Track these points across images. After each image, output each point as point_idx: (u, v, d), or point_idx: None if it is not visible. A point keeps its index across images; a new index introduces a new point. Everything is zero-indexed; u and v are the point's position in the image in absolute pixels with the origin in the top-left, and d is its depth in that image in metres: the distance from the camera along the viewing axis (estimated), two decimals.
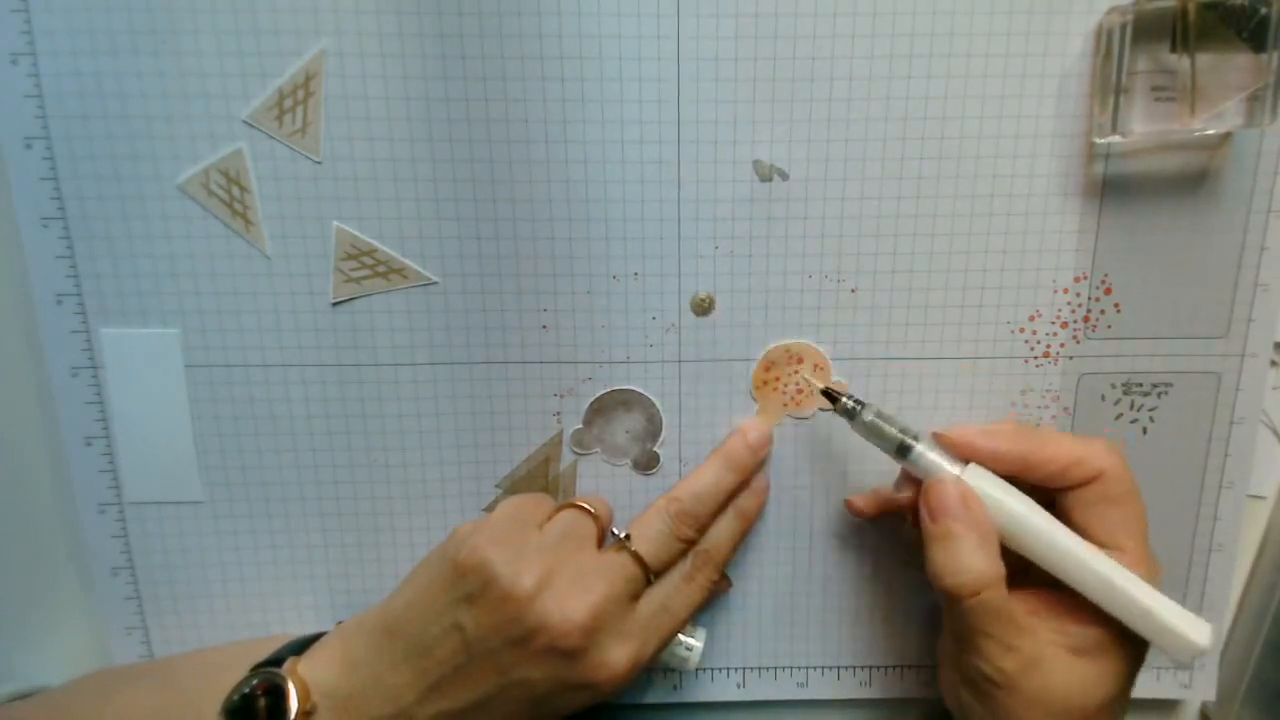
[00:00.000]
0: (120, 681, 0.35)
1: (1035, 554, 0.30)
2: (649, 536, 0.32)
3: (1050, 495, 0.31)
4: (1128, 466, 0.30)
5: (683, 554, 0.33)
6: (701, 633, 0.36)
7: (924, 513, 0.30)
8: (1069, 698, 0.29)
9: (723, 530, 0.34)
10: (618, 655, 0.31)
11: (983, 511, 0.29)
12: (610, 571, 0.31)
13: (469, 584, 0.30)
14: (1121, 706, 0.31)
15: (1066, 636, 0.30)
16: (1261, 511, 0.39)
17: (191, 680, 0.33)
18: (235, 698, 0.30)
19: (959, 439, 0.31)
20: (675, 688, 0.39)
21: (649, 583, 0.32)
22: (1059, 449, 0.30)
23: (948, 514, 0.29)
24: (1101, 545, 0.30)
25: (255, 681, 0.30)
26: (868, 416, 0.32)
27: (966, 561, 0.29)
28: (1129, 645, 0.30)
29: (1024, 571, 0.30)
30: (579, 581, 0.30)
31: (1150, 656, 0.38)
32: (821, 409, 0.36)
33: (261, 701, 0.30)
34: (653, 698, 0.39)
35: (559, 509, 0.34)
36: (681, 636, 0.35)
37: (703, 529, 0.34)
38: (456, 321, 0.35)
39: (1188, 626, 0.28)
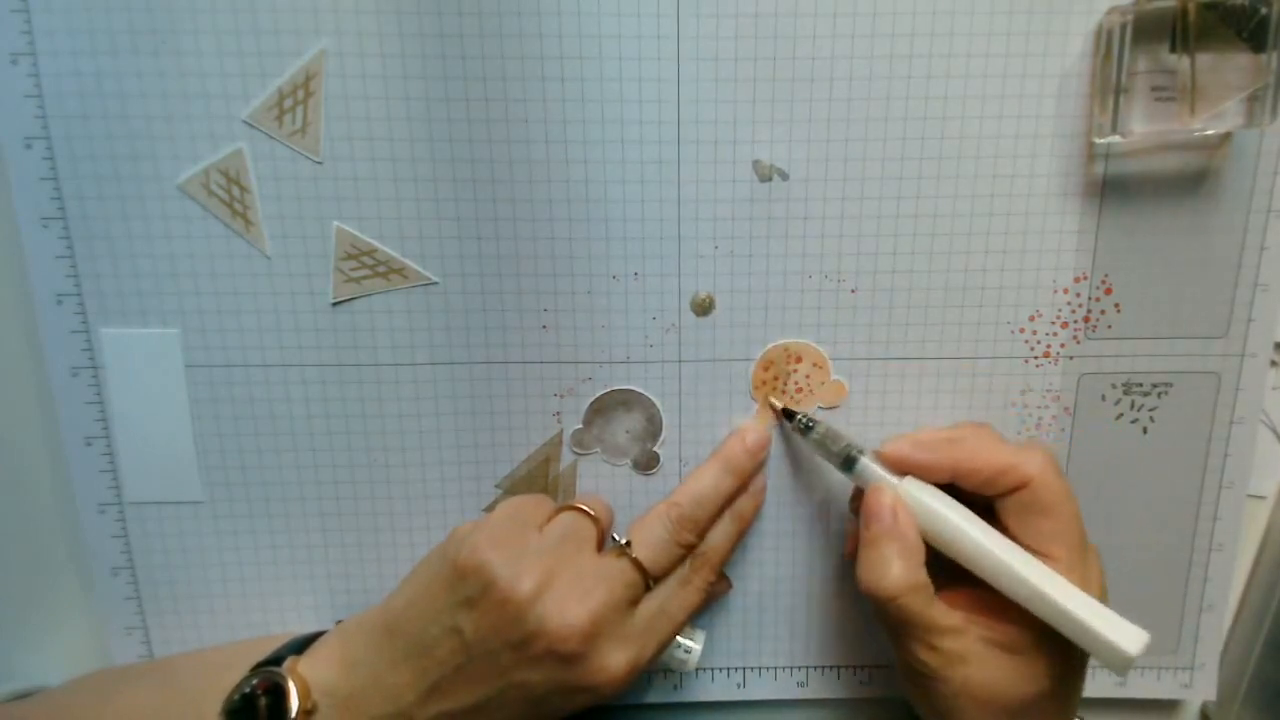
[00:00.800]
0: (120, 681, 0.35)
1: (969, 562, 0.30)
2: (649, 542, 0.32)
3: (988, 503, 0.32)
4: (1059, 474, 0.31)
5: (682, 559, 0.33)
6: (700, 634, 0.37)
7: (861, 521, 0.32)
8: (997, 692, 0.30)
9: (720, 533, 0.34)
10: (617, 660, 0.31)
11: (909, 522, 0.31)
12: (610, 577, 0.31)
13: (468, 586, 0.30)
14: (1066, 701, 0.32)
15: (995, 634, 0.30)
16: (1261, 511, 0.39)
17: (192, 680, 0.33)
18: (236, 697, 0.30)
19: (893, 452, 0.32)
20: (675, 688, 0.39)
21: (648, 588, 0.32)
22: (987, 459, 0.31)
23: (876, 522, 0.31)
24: (1034, 553, 0.30)
25: (255, 681, 0.30)
26: (818, 433, 0.34)
27: (886, 569, 0.30)
28: (1061, 645, 0.30)
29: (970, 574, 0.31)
30: (578, 586, 0.30)
31: (1149, 656, 0.39)
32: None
33: (262, 701, 0.30)
34: (653, 697, 0.39)
35: (559, 510, 0.34)
36: (680, 639, 0.36)
37: (703, 533, 0.34)
38: (456, 321, 0.35)
39: (1119, 635, 0.28)
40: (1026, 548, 0.30)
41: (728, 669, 0.39)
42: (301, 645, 0.32)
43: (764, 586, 0.38)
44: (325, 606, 0.38)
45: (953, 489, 0.32)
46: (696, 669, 0.37)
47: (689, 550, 0.33)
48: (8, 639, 0.37)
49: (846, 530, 0.37)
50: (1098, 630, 0.28)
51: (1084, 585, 0.29)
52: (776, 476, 0.37)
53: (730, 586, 0.38)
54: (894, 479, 0.32)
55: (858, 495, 0.35)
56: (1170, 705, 0.40)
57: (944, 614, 0.30)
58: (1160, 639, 0.38)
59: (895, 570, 0.30)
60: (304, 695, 0.30)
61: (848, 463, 0.33)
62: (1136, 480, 0.37)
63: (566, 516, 0.33)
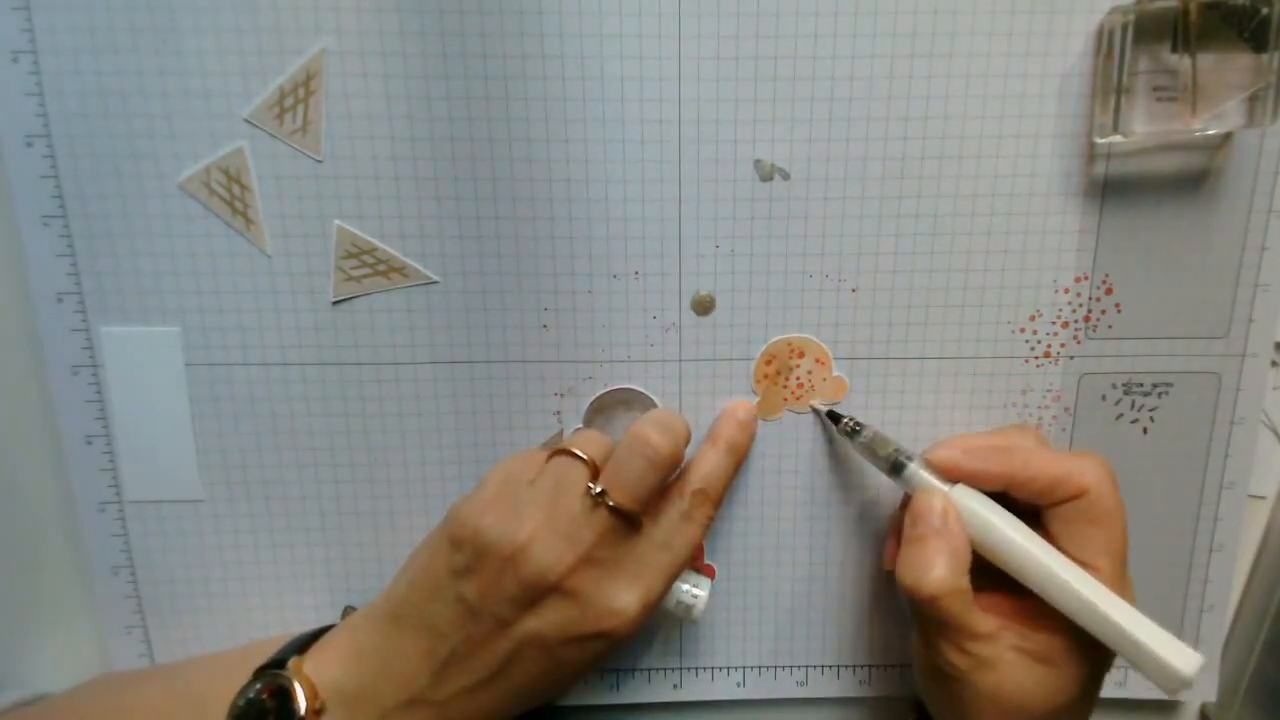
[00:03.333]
0: (124, 686, 0.35)
1: (1018, 573, 0.30)
2: (626, 484, 0.31)
3: (1038, 510, 0.31)
4: (1114, 486, 0.30)
5: (660, 485, 0.32)
6: (706, 582, 0.36)
7: (906, 520, 0.32)
8: (1025, 699, 0.30)
9: (717, 467, 0.33)
10: (625, 599, 0.30)
11: (959, 527, 0.30)
12: (599, 520, 0.30)
13: (465, 555, 0.30)
14: (1085, 708, 0.32)
15: (1030, 643, 0.30)
16: (1261, 511, 0.39)
17: (198, 684, 0.33)
18: (241, 702, 0.30)
19: (943, 459, 0.32)
20: (675, 687, 0.39)
21: (639, 522, 0.31)
22: (1042, 467, 0.30)
23: (924, 522, 0.31)
24: (1078, 563, 0.30)
25: (260, 685, 0.30)
26: (865, 436, 0.34)
27: (929, 569, 0.30)
28: (1093, 653, 0.30)
29: (1006, 578, 0.30)
30: (570, 527, 0.30)
31: None
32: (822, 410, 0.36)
33: (268, 704, 0.29)
34: (653, 696, 0.39)
35: (550, 456, 0.32)
36: (684, 585, 0.35)
37: (716, 504, 0.34)
38: (457, 321, 0.35)
39: (1175, 656, 0.28)
40: (1071, 557, 0.30)
41: (728, 668, 0.39)
42: (304, 644, 0.32)
43: (764, 586, 0.38)
44: (325, 605, 0.38)
45: (1000, 495, 0.31)
46: (699, 620, 0.36)
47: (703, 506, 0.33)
48: (7, 637, 0.37)
49: (887, 539, 0.36)
50: (1154, 650, 0.28)
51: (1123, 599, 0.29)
52: (777, 473, 0.37)
53: (714, 573, 0.38)
54: (944, 486, 0.31)
55: (907, 502, 0.34)
56: (1170, 705, 0.40)
57: (980, 619, 0.30)
58: None
59: (939, 571, 0.30)
60: (311, 695, 0.29)
61: (896, 468, 0.32)
62: (1136, 480, 0.37)
63: (556, 463, 0.32)
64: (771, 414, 0.36)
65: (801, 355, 0.35)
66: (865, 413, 0.36)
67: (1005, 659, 0.30)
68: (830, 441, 0.36)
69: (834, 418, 0.35)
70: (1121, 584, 0.30)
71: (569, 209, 0.34)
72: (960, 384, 0.36)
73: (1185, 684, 0.28)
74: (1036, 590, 0.30)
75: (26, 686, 0.36)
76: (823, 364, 0.36)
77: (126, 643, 0.38)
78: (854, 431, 0.34)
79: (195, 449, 0.36)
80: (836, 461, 0.37)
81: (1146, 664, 0.28)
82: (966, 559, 0.30)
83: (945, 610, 0.30)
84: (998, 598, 0.31)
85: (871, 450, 0.33)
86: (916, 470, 0.32)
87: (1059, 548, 0.30)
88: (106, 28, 0.32)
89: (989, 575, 0.31)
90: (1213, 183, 0.34)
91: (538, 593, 0.29)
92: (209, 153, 0.33)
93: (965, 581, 0.30)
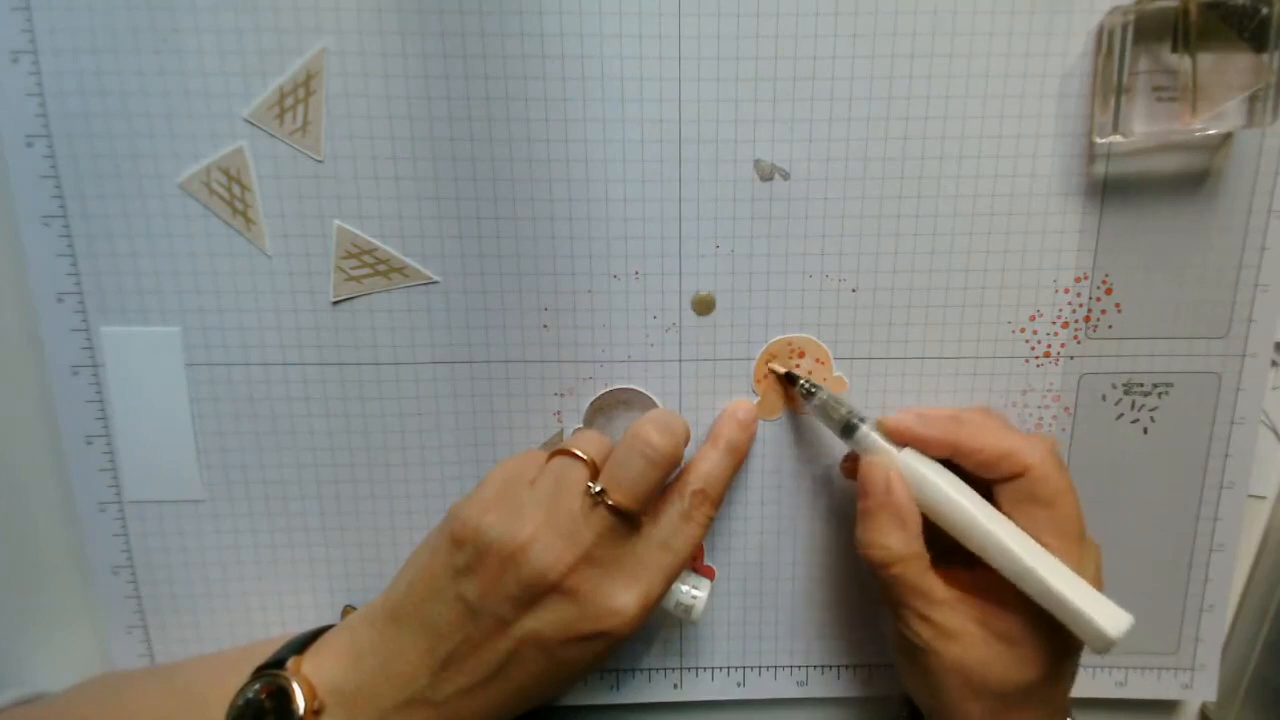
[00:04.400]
0: (124, 686, 0.35)
1: (959, 534, 0.31)
2: (624, 481, 0.31)
3: (989, 486, 0.32)
4: (1060, 466, 0.31)
5: (659, 485, 0.32)
6: (705, 583, 0.36)
7: (858, 491, 0.32)
8: (987, 675, 0.31)
9: (717, 466, 0.34)
10: (625, 598, 0.30)
11: (904, 492, 0.31)
12: (599, 520, 0.30)
13: (466, 554, 0.30)
14: (1055, 691, 0.32)
15: (990, 618, 0.31)
16: (1261, 511, 0.39)
17: (197, 684, 0.33)
18: (239, 702, 0.30)
19: (896, 424, 0.32)
20: (676, 687, 0.39)
21: (639, 522, 0.31)
22: (989, 441, 0.31)
23: (871, 494, 0.32)
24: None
25: (259, 685, 0.30)
26: (820, 398, 0.34)
27: (883, 538, 0.31)
28: (1053, 635, 0.30)
29: (972, 558, 0.31)
30: (570, 528, 0.30)
31: (1149, 657, 0.39)
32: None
33: (267, 705, 0.29)
34: (653, 696, 0.39)
35: (550, 456, 0.32)
36: (684, 586, 0.35)
37: (716, 506, 0.34)
38: (457, 321, 0.35)
39: (1100, 615, 0.28)
40: None
41: (728, 669, 0.39)
42: (303, 644, 0.32)
43: (764, 586, 0.38)
44: (325, 605, 0.38)
45: (956, 471, 0.32)
46: (699, 620, 0.36)
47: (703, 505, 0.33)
48: (8, 637, 0.37)
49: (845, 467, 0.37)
50: (1080, 608, 0.28)
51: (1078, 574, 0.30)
52: (778, 473, 0.37)
53: (714, 576, 0.38)
54: (893, 449, 0.32)
55: (852, 459, 0.35)
56: (1170, 705, 0.40)
57: (938, 585, 0.31)
58: (1160, 639, 0.38)
59: (891, 540, 0.31)
60: (310, 696, 0.29)
61: (848, 429, 0.33)
62: (1136, 480, 0.37)
63: (556, 463, 0.32)
64: (772, 414, 0.36)
65: (802, 355, 0.35)
66: (865, 412, 0.36)
67: (968, 631, 0.31)
68: (826, 445, 0.36)
69: (790, 379, 0.35)
70: (1076, 563, 0.30)
71: (569, 209, 0.34)
72: (960, 384, 0.36)
73: (1110, 644, 0.28)
74: (976, 551, 0.30)
75: (26, 686, 0.36)
76: (822, 363, 0.36)
77: (126, 643, 0.38)
78: (809, 393, 0.34)
79: (195, 449, 0.36)
80: (838, 458, 0.37)
81: (1075, 622, 0.29)
82: (916, 523, 0.31)
83: (901, 576, 0.31)
84: (958, 574, 0.32)
85: (825, 412, 0.34)
86: (867, 433, 0.32)
87: None
88: (106, 28, 0.32)
89: (950, 555, 0.32)
90: (1213, 183, 0.34)
91: (537, 592, 0.29)
92: (209, 153, 0.33)
93: (918, 545, 0.31)
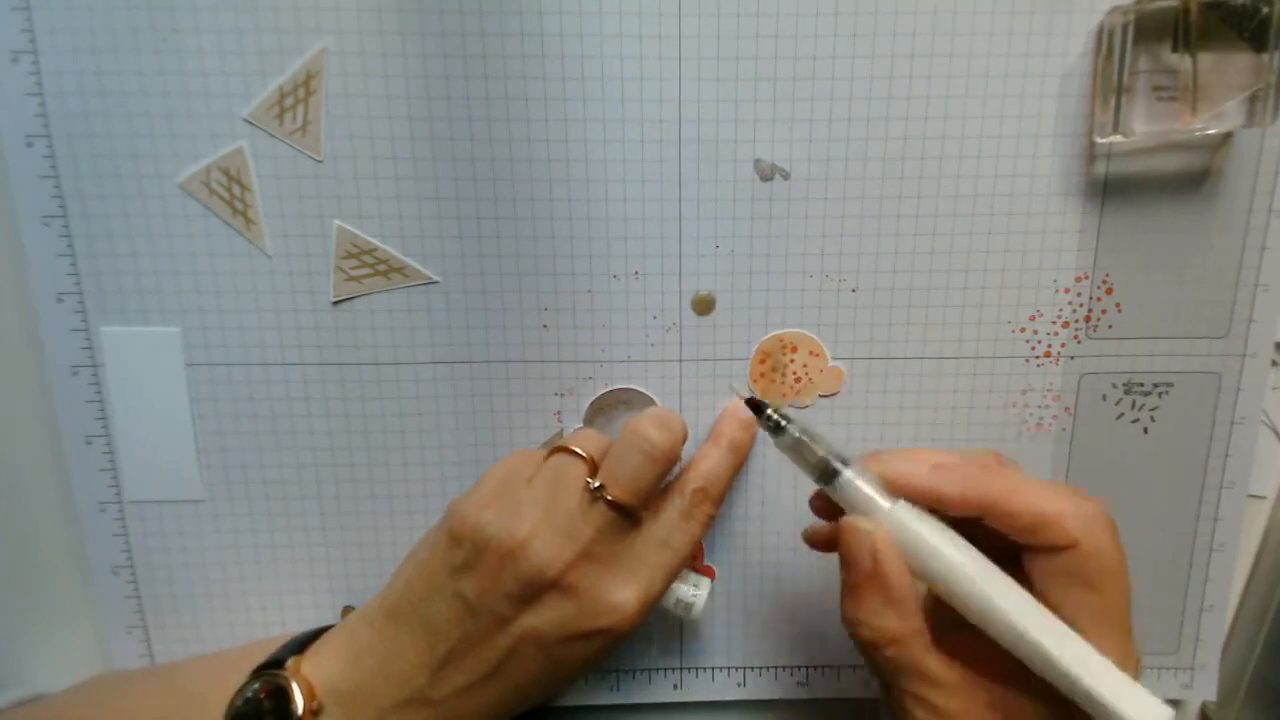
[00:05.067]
0: (123, 686, 0.35)
1: (968, 612, 0.26)
2: (622, 476, 0.31)
3: (1017, 549, 0.26)
4: (1113, 537, 0.25)
5: (659, 481, 0.32)
6: (705, 582, 0.36)
7: (839, 557, 0.28)
8: None
9: (718, 464, 0.33)
10: (623, 595, 0.30)
11: (896, 566, 0.26)
12: (598, 515, 0.30)
13: (465, 551, 0.30)
14: None
15: (994, 697, 0.26)
16: (1261, 511, 0.39)
17: (196, 684, 0.33)
18: (238, 702, 0.30)
19: (902, 477, 0.27)
20: (676, 687, 0.39)
21: (638, 518, 0.31)
22: (1026, 503, 0.25)
23: (856, 564, 0.27)
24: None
25: (258, 685, 0.30)
26: (791, 435, 0.29)
27: (873, 617, 0.27)
28: (1072, 714, 0.25)
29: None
30: (568, 524, 0.30)
31: (1150, 657, 0.39)
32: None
33: (266, 704, 0.29)
34: (653, 696, 0.39)
35: (549, 454, 0.32)
36: (683, 585, 0.35)
37: (717, 505, 0.33)
38: (457, 321, 0.35)
39: (1140, 713, 0.23)
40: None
41: (728, 669, 0.39)
42: (303, 643, 0.32)
43: (764, 586, 0.38)
44: (325, 605, 0.38)
45: (976, 527, 0.27)
46: (699, 619, 0.36)
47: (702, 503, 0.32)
48: (8, 637, 0.37)
49: (810, 538, 0.32)
50: (1114, 706, 0.23)
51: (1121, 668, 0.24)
52: (776, 476, 0.37)
53: (715, 577, 0.38)
54: (884, 502, 0.27)
55: (820, 498, 0.30)
56: (1170, 705, 0.40)
57: (940, 667, 0.27)
58: (1160, 639, 0.38)
59: (880, 620, 0.27)
60: (309, 695, 0.29)
61: (826, 475, 0.27)
62: (1137, 480, 0.37)
63: (555, 460, 0.32)
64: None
65: (795, 350, 0.35)
66: (865, 413, 0.36)
67: (972, 715, 0.26)
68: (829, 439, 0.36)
69: (755, 408, 0.30)
70: (1119, 655, 0.25)
71: (569, 209, 0.34)
72: (960, 384, 0.36)
73: None
74: (991, 634, 0.25)
75: (26, 686, 0.36)
76: (817, 356, 0.35)
77: (126, 643, 0.38)
78: (777, 428, 0.29)
79: (195, 449, 0.36)
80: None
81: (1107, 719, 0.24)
82: (910, 600, 0.26)
83: (895, 660, 0.27)
84: (965, 642, 0.27)
85: (798, 453, 0.28)
86: (850, 480, 0.27)
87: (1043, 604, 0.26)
88: (106, 28, 0.32)
89: (956, 618, 0.27)
90: (1213, 183, 0.34)
91: (536, 589, 0.29)
92: (209, 153, 0.33)
93: (916, 622, 0.27)
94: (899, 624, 0.26)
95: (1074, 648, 0.24)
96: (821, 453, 0.28)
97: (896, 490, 0.27)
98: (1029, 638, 0.24)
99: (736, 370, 0.36)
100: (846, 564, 0.27)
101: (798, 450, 0.28)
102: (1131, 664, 0.25)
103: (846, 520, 0.27)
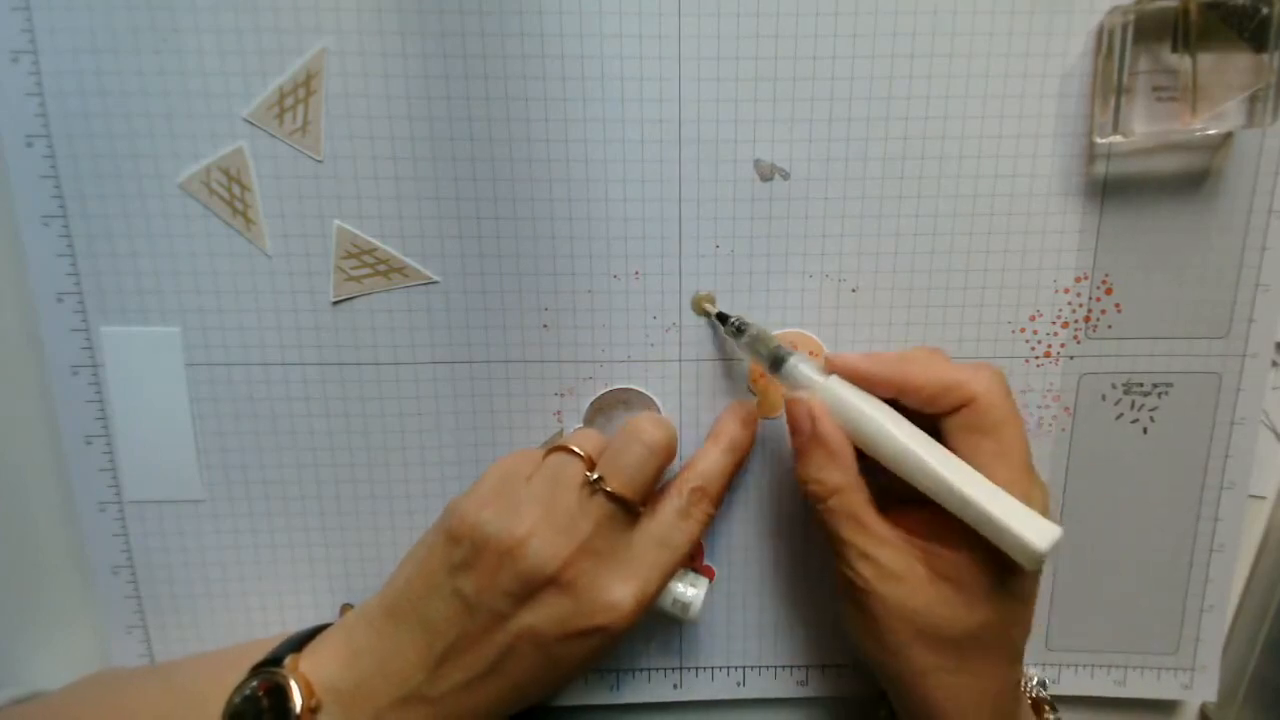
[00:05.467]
0: (121, 684, 0.35)
1: (887, 459, 0.30)
2: (622, 469, 0.31)
3: (935, 425, 0.31)
4: (1006, 395, 0.30)
5: (657, 476, 0.32)
6: (703, 581, 0.36)
7: (788, 430, 0.32)
8: (932, 618, 0.30)
9: (716, 464, 0.34)
10: (621, 592, 0.30)
11: (829, 423, 0.31)
12: (596, 509, 0.31)
13: (464, 549, 0.30)
14: (1007, 639, 0.31)
15: (933, 558, 0.30)
16: (1261, 511, 0.39)
17: (195, 682, 0.33)
18: (237, 700, 0.30)
19: (843, 361, 0.32)
20: (676, 687, 0.39)
21: (636, 513, 0.32)
22: (933, 374, 0.30)
23: (798, 431, 0.32)
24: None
25: (256, 683, 0.30)
26: (750, 334, 0.33)
27: (817, 471, 0.31)
28: (1000, 574, 0.30)
29: (915, 499, 0.30)
30: (566, 521, 0.30)
31: (1149, 657, 0.39)
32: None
33: (264, 702, 0.29)
34: (653, 696, 0.39)
35: (547, 454, 0.33)
36: (681, 584, 0.35)
37: (716, 504, 0.34)
38: (457, 321, 0.35)
39: (1027, 528, 0.27)
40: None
41: (728, 668, 0.39)
42: (301, 641, 0.32)
43: (764, 586, 0.38)
44: (325, 605, 0.38)
45: (901, 409, 0.31)
46: (697, 619, 0.36)
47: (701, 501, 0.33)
48: (8, 637, 0.37)
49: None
50: (1006, 522, 0.28)
51: (1024, 501, 0.29)
52: (775, 476, 0.37)
53: (713, 576, 0.38)
54: (820, 378, 0.32)
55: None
56: (1170, 705, 0.40)
57: (880, 524, 0.31)
58: (1160, 639, 0.38)
59: (825, 474, 0.31)
60: (308, 693, 0.29)
61: (776, 362, 0.32)
62: (1136, 480, 0.37)
63: (553, 459, 0.32)
64: (772, 412, 0.36)
65: (794, 349, 0.35)
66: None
67: (912, 571, 0.30)
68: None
69: (722, 318, 0.34)
70: (1021, 489, 0.29)
71: (569, 209, 0.34)
72: None
73: (1039, 558, 0.27)
74: (904, 476, 0.30)
75: (26, 687, 0.36)
76: (817, 356, 0.35)
77: (126, 643, 0.38)
78: (740, 329, 0.34)
79: (195, 449, 0.36)
80: None
81: (1003, 537, 0.28)
82: (849, 454, 0.31)
83: (838, 509, 0.31)
84: (906, 514, 0.31)
85: (754, 348, 0.33)
86: (795, 365, 0.32)
87: None
88: (107, 28, 0.32)
89: (896, 493, 0.31)
90: (1213, 183, 0.34)
91: (534, 586, 0.29)
92: (209, 152, 0.33)
93: (853, 477, 0.31)
94: (839, 476, 0.31)
95: (976, 482, 0.29)
96: (774, 345, 0.33)
97: (841, 374, 0.32)
98: (938, 475, 0.29)
99: (738, 370, 0.36)
100: (792, 430, 0.32)
101: (753, 346, 0.33)
102: (1037, 498, 0.30)
103: (789, 398, 0.32)
